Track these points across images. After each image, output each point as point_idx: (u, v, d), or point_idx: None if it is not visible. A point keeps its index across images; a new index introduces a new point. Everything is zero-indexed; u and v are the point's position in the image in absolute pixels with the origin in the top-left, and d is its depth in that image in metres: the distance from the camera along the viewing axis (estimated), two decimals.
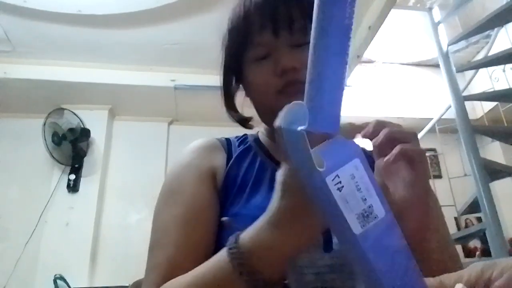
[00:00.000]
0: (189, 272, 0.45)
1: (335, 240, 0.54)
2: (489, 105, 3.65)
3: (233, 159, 0.65)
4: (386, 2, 2.35)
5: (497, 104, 3.45)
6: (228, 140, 0.71)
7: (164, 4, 2.41)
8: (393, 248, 0.25)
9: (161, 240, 0.56)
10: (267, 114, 0.67)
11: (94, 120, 3.18)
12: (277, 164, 0.65)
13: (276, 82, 0.60)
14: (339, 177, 0.24)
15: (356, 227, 0.24)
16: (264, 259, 0.39)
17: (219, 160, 0.65)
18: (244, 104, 0.73)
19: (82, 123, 3.11)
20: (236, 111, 0.71)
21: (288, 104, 0.59)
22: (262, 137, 0.72)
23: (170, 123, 3.55)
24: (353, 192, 0.24)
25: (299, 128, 0.26)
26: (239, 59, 0.65)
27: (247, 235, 0.40)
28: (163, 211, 0.60)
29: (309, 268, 0.51)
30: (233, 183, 0.61)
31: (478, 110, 3.78)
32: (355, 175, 0.24)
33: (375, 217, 0.24)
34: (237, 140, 0.72)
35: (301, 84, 0.58)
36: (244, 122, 0.72)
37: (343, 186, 0.24)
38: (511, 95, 2.63)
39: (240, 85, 0.71)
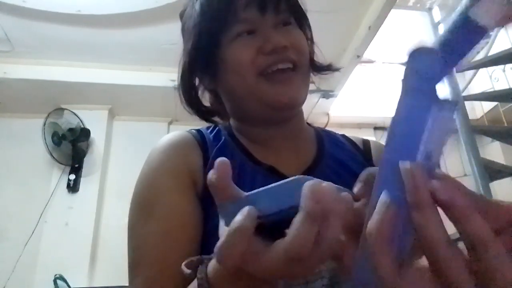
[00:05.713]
0: None
1: None
2: (489, 105, 3.64)
3: (210, 160, 0.58)
4: (386, 2, 2.34)
5: (497, 104, 3.44)
6: (200, 133, 0.65)
7: (164, 4, 2.41)
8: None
9: (141, 261, 0.51)
10: (243, 101, 0.61)
11: (94, 120, 3.17)
12: (256, 164, 0.61)
13: (261, 60, 0.56)
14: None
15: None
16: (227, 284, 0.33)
17: (196, 161, 0.59)
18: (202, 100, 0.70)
19: (82, 123, 3.10)
20: (197, 103, 0.69)
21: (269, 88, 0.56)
22: (236, 132, 0.66)
23: (170, 123, 3.54)
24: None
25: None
26: (215, 39, 0.59)
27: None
28: (139, 227, 0.54)
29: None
30: None
31: (478, 110, 3.77)
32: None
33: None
34: (210, 133, 0.66)
35: (288, 68, 0.57)
36: (211, 115, 0.70)
37: None
38: (511, 95, 2.63)
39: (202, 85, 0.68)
